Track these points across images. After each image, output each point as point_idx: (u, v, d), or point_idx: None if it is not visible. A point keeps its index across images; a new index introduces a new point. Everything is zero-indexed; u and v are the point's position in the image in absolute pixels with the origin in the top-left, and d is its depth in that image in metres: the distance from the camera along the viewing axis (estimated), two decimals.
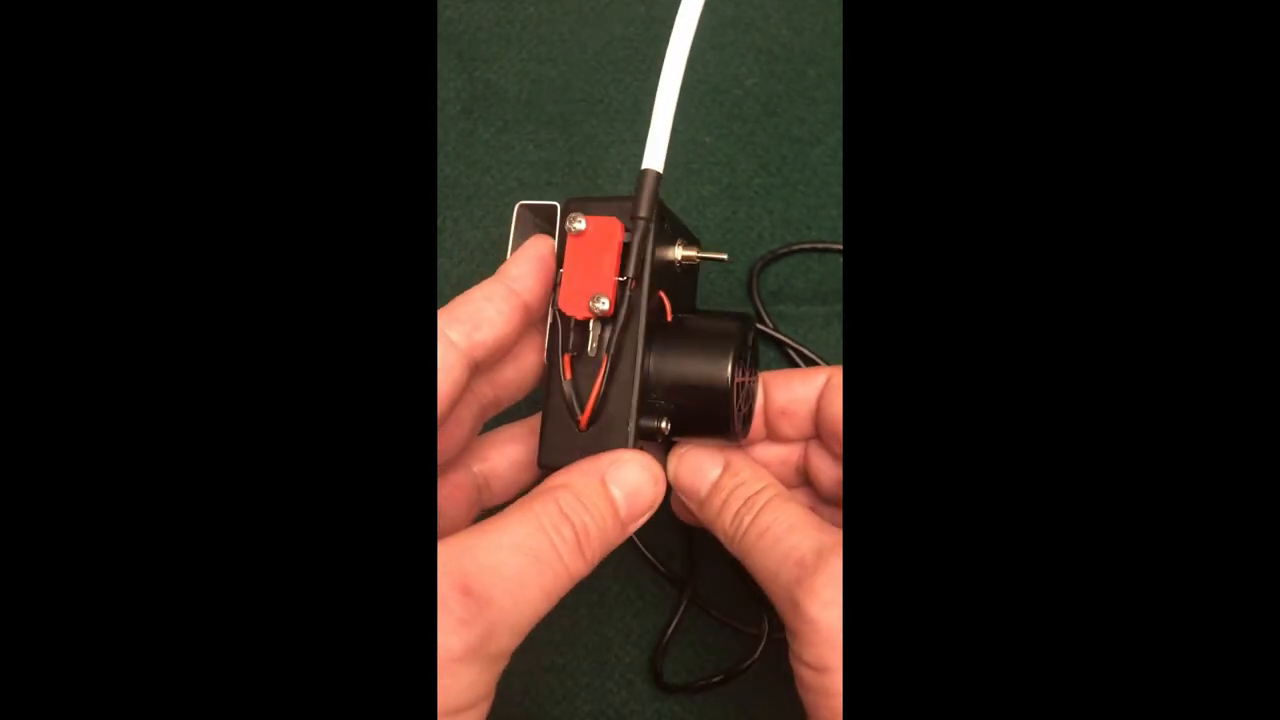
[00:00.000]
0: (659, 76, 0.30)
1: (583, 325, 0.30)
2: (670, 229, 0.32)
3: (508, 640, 0.25)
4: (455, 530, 0.26)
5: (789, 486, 0.35)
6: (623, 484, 0.29)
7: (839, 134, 0.47)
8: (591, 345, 0.30)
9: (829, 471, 0.36)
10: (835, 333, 0.43)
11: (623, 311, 0.29)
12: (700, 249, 0.33)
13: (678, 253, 0.32)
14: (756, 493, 0.31)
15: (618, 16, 0.48)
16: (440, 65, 0.47)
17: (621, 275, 0.29)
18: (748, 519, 0.31)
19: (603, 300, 0.29)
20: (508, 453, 0.34)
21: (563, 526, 0.26)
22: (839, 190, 0.46)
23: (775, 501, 0.31)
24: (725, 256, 0.34)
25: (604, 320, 0.30)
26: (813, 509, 0.34)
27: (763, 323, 0.43)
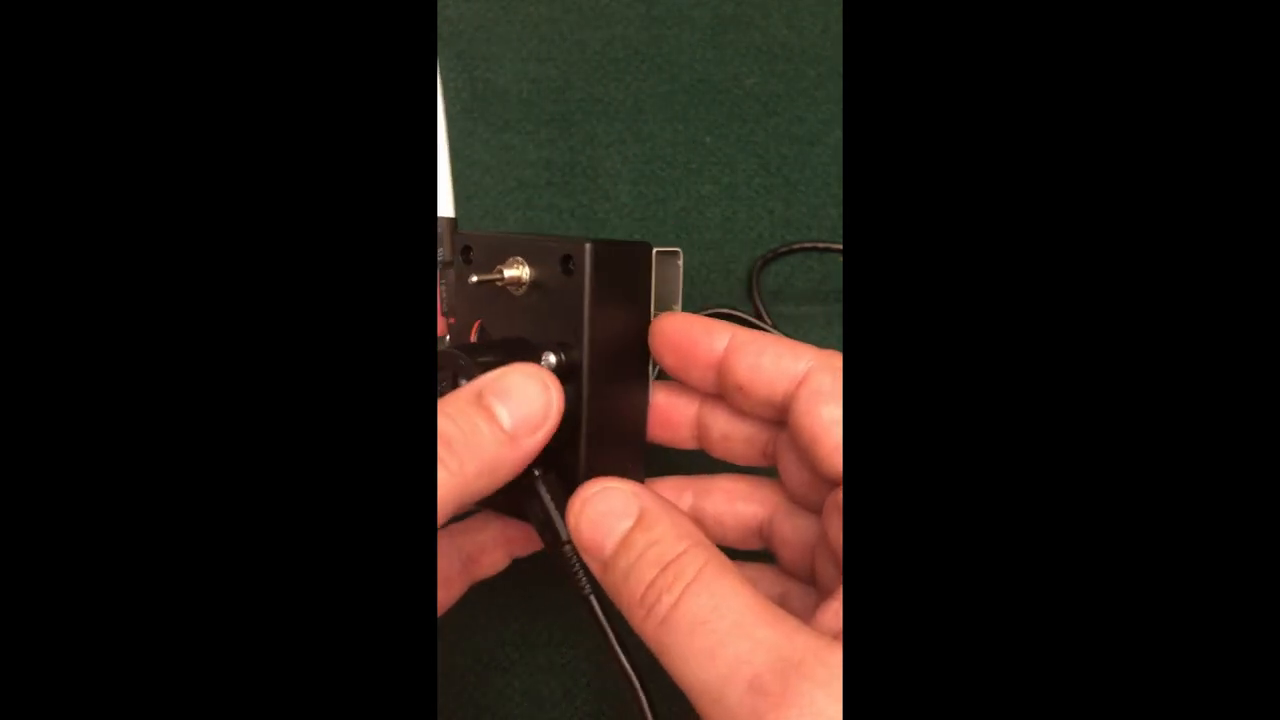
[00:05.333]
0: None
1: None
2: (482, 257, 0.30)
3: None
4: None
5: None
6: (501, 393, 0.25)
7: (839, 134, 0.47)
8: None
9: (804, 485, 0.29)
10: (835, 333, 0.43)
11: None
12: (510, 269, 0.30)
13: (472, 276, 0.30)
14: (678, 557, 0.23)
15: (618, 16, 0.48)
16: (440, 65, 0.47)
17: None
18: (667, 600, 0.22)
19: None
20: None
21: None
22: (839, 190, 0.46)
23: (708, 574, 0.22)
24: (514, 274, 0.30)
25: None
26: (768, 571, 0.30)
27: (763, 322, 0.43)
